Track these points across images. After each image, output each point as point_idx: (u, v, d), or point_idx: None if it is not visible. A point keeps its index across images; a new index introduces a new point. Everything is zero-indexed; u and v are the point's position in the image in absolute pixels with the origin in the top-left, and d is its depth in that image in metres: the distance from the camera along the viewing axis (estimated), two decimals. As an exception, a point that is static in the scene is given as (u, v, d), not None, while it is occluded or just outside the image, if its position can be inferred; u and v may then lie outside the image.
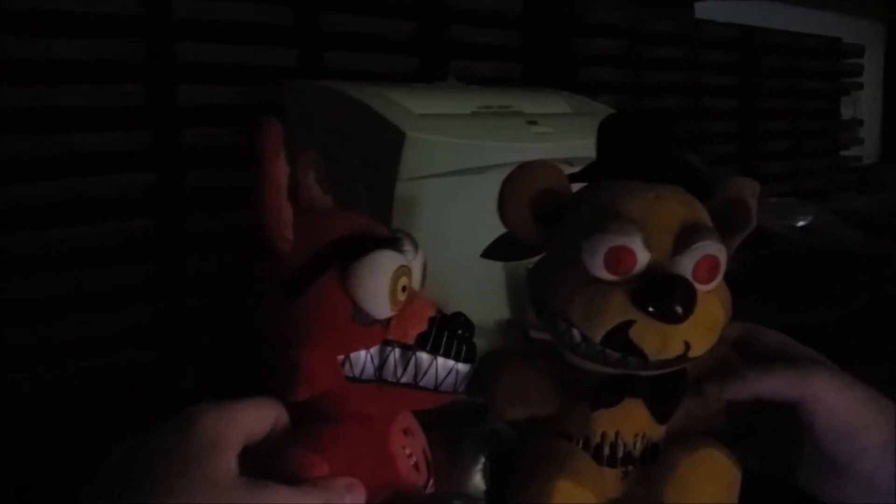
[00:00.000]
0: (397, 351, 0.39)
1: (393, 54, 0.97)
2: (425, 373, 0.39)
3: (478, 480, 0.45)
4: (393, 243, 0.39)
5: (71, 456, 0.50)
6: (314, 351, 0.37)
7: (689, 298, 0.39)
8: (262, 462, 0.35)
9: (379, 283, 0.37)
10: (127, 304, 0.77)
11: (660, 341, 0.40)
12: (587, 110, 0.87)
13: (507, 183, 0.44)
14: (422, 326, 0.40)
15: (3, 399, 0.70)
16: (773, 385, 0.44)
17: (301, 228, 0.39)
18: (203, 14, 0.80)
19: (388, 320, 0.39)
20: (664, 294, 0.39)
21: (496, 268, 0.73)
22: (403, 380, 0.39)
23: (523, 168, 0.44)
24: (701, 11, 1.49)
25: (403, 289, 0.39)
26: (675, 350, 0.40)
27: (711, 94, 1.49)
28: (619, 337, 0.40)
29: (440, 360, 0.39)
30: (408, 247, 0.40)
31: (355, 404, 0.39)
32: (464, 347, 0.40)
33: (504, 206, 0.44)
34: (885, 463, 0.42)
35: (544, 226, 0.43)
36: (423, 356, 0.39)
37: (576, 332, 0.41)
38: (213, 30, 0.81)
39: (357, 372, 0.38)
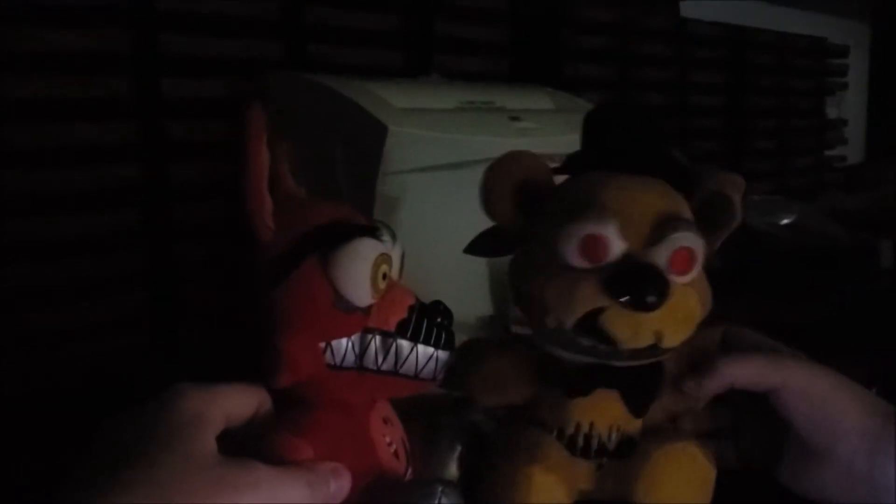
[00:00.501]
0: (378, 338, 0.39)
1: (378, 48, 0.97)
2: (406, 360, 0.39)
3: (454, 469, 0.45)
4: (373, 232, 0.39)
5: (61, 450, 0.51)
6: (295, 338, 0.37)
7: (660, 288, 0.39)
8: (244, 446, 0.36)
9: (360, 270, 0.38)
10: (115, 295, 0.78)
11: (630, 329, 0.40)
12: (570, 106, 0.87)
13: (490, 171, 0.44)
14: (402, 314, 0.40)
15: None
16: (747, 374, 0.44)
17: (281, 217, 0.39)
18: (188, 6, 0.80)
19: (369, 308, 0.39)
20: (635, 282, 0.39)
21: (479, 263, 0.73)
22: (384, 367, 0.39)
23: (507, 157, 0.44)
24: (688, 10, 1.49)
25: (384, 276, 0.39)
26: (645, 339, 0.40)
27: (698, 92, 1.50)
28: (590, 323, 0.40)
29: (420, 347, 0.40)
30: (387, 236, 0.40)
31: (336, 392, 0.39)
32: (443, 335, 0.41)
33: (486, 194, 0.44)
34: (863, 447, 0.43)
35: (526, 215, 0.44)
36: (404, 343, 0.39)
37: (550, 319, 0.41)
38: (198, 22, 0.81)
39: (338, 359, 0.39)
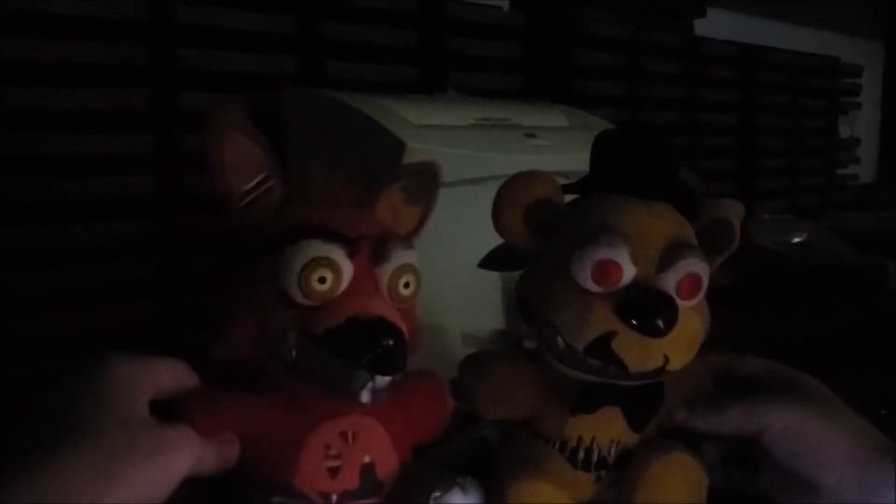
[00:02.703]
0: (306, 340, 0.39)
1: (393, 64, 0.97)
2: (323, 369, 0.39)
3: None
4: (333, 237, 0.40)
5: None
6: (240, 316, 0.40)
7: (671, 314, 0.41)
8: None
9: (293, 267, 0.39)
10: (126, 305, 0.78)
11: (641, 353, 0.41)
12: (585, 124, 0.87)
13: (504, 190, 0.45)
14: (333, 323, 0.39)
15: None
16: (729, 423, 0.46)
17: (287, 207, 0.42)
18: (205, 20, 0.81)
19: (312, 308, 0.39)
20: (648, 308, 0.41)
21: (493, 278, 0.73)
22: (309, 370, 0.39)
23: (519, 177, 0.45)
24: (701, 28, 1.50)
25: (322, 280, 0.39)
26: (654, 362, 0.41)
27: (710, 110, 1.50)
28: (602, 347, 0.41)
29: (340, 361, 0.38)
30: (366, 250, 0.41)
31: (274, 382, 0.41)
32: (370, 355, 0.39)
33: (499, 213, 0.45)
34: (849, 477, 0.43)
35: (538, 234, 0.45)
36: (324, 352, 0.39)
37: (560, 340, 0.42)
38: (215, 36, 0.82)
39: (274, 350, 0.40)
